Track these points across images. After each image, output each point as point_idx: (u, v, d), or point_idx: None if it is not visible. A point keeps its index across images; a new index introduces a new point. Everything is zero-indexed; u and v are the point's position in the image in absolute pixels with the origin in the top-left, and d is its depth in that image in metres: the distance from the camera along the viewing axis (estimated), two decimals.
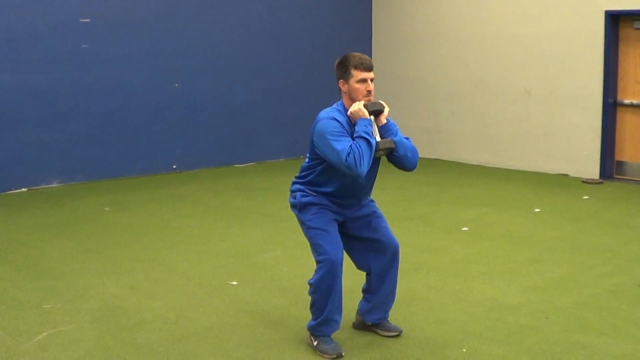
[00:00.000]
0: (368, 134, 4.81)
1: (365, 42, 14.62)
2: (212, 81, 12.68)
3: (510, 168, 12.62)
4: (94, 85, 11.33)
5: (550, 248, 7.66)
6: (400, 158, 5.05)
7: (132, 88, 11.75)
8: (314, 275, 5.05)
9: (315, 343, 5.13)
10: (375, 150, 4.89)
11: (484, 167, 12.90)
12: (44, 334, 5.38)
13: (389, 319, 5.44)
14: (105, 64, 11.41)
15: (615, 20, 11.22)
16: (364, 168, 4.74)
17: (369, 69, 5.02)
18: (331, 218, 5.11)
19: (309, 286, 5.10)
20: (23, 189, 10.78)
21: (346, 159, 4.69)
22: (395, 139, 5.01)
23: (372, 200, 5.36)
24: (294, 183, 5.29)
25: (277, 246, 7.76)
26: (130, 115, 11.78)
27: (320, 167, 5.05)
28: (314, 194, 5.13)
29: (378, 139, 4.96)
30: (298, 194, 5.19)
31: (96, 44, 11.28)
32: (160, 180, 11.64)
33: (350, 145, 4.73)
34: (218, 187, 11.17)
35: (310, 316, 5.20)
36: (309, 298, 5.13)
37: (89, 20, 11.17)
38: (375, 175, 5.21)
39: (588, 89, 11.50)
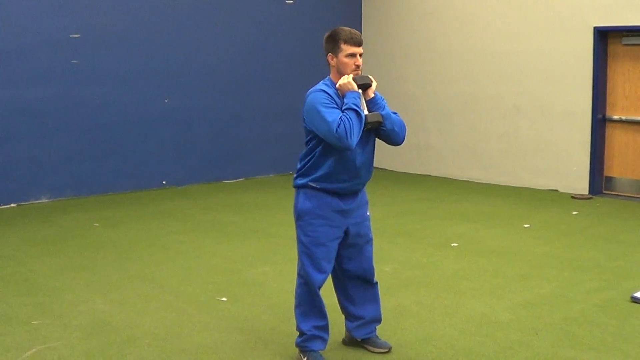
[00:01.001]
0: (357, 106, 4.81)
1: None
2: (202, 97, 12.69)
3: (500, 184, 12.64)
4: (83, 101, 11.32)
5: (539, 264, 7.67)
6: (388, 132, 5.06)
7: (121, 104, 11.75)
8: (296, 287, 5.14)
9: (304, 359, 5.12)
10: (364, 124, 4.87)
11: (473, 182, 12.92)
12: (33, 350, 5.36)
13: (377, 334, 5.44)
14: (95, 79, 11.41)
15: (603, 37, 11.28)
16: (354, 139, 4.73)
17: (359, 43, 5.03)
18: (327, 237, 5.06)
19: (294, 298, 5.13)
20: (12, 205, 10.75)
21: (336, 129, 4.68)
22: (382, 113, 5.01)
23: (368, 218, 5.32)
24: (295, 178, 5.19)
25: (267, 262, 7.76)
26: (119, 130, 11.77)
27: (317, 149, 4.99)
28: (318, 189, 5.04)
29: (366, 112, 4.96)
30: (301, 192, 5.11)
31: (86, 60, 11.28)
32: (150, 196, 11.62)
33: (340, 117, 4.73)
34: (207, 202, 11.16)
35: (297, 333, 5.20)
36: (294, 313, 5.18)
37: (79, 35, 11.18)
38: (372, 154, 5.18)
39: (577, 104, 11.54)
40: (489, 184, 12.70)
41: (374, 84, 5.06)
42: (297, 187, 5.14)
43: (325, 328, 5.13)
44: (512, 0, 12.26)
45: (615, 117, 11.42)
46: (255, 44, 13.27)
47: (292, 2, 13.67)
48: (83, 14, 11.20)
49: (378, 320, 5.42)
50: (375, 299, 5.37)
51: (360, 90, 4.96)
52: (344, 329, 5.51)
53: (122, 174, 11.87)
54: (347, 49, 4.98)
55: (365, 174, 5.15)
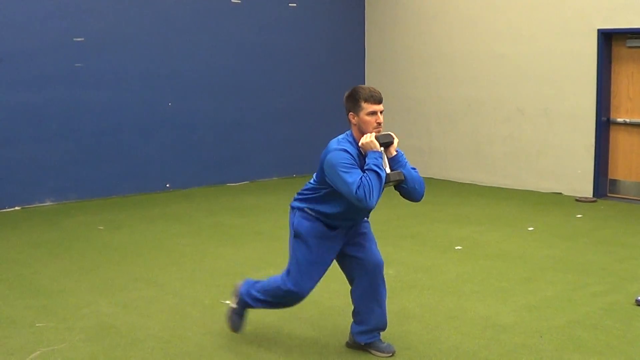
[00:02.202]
0: (379, 167, 4.87)
1: (358, 61, 14.67)
2: (206, 100, 12.70)
3: (504, 187, 12.63)
4: (87, 104, 11.34)
5: (543, 267, 7.66)
6: (408, 190, 5.15)
7: (125, 107, 11.76)
8: (279, 280, 5.25)
9: (234, 305, 5.57)
10: (385, 182, 4.95)
11: (477, 185, 12.91)
12: (37, 352, 5.36)
13: (381, 337, 5.43)
14: (99, 82, 11.43)
15: (607, 39, 11.27)
16: (374, 201, 4.81)
17: (379, 101, 5.04)
18: (323, 257, 5.20)
19: (257, 293, 5.37)
20: (16, 207, 10.76)
21: (356, 191, 4.75)
22: (404, 171, 5.08)
23: (367, 221, 5.37)
24: (295, 199, 5.30)
25: (271, 265, 7.74)
26: (123, 134, 11.79)
27: (325, 191, 5.10)
28: (313, 216, 5.16)
29: (388, 170, 5.02)
30: (297, 213, 5.22)
31: (90, 63, 11.30)
32: (154, 199, 11.63)
33: (361, 178, 4.79)
34: (211, 205, 11.16)
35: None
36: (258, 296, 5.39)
37: (82, 39, 11.19)
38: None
39: (581, 107, 11.53)
40: (493, 187, 12.70)
41: (396, 141, 5.13)
42: (294, 208, 5.27)
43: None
44: (516, 3, 12.26)
45: (620, 119, 11.41)
46: (258, 47, 13.27)
47: (295, 5, 13.67)
48: (87, 17, 11.21)
49: (382, 328, 5.41)
50: (381, 305, 5.36)
51: (382, 149, 5.01)
52: (348, 332, 5.50)
53: (126, 177, 11.88)
54: (368, 107, 5.01)
55: (363, 217, 5.32)
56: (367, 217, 5.41)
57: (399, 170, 5.05)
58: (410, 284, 7.08)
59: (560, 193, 11.92)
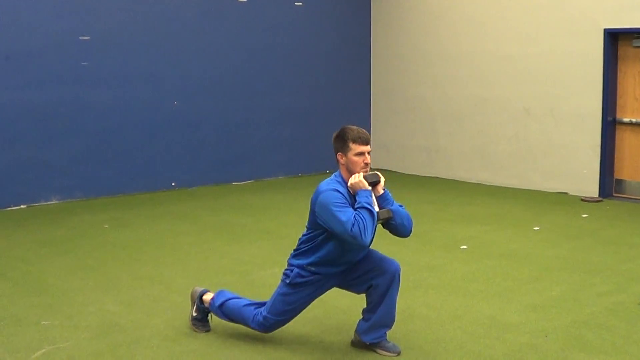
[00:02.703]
0: (370, 205, 5.00)
1: (364, 61, 14.67)
2: (211, 99, 12.71)
3: (509, 186, 12.62)
4: (93, 103, 11.35)
5: (549, 266, 7.65)
6: (397, 226, 5.28)
7: (131, 106, 11.77)
8: (260, 323, 5.44)
9: (194, 314, 5.76)
10: (376, 220, 5.07)
11: (482, 185, 12.90)
12: (43, 350, 5.37)
13: (387, 337, 5.43)
14: (105, 81, 11.44)
15: (614, 39, 11.25)
16: (368, 237, 4.93)
17: (366, 142, 5.20)
18: (313, 298, 5.43)
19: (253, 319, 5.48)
20: (22, 206, 10.78)
21: (351, 229, 4.86)
22: (392, 208, 5.24)
23: None
24: (292, 256, 5.45)
25: (276, 264, 7.74)
26: (129, 132, 11.80)
27: (320, 237, 5.22)
28: (312, 272, 5.30)
29: (377, 209, 5.15)
30: (296, 270, 5.36)
31: (96, 62, 11.31)
32: (159, 198, 11.64)
33: (354, 216, 4.91)
34: (217, 204, 11.17)
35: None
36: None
37: (88, 38, 11.20)
38: (372, 240, 5.30)
39: (587, 107, 11.51)
40: (499, 187, 12.69)
41: (382, 180, 5.26)
42: (292, 265, 5.41)
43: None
44: (522, 3, 12.25)
45: (626, 119, 11.39)
46: (264, 46, 13.28)
47: (301, 4, 13.67)
48: (93, 16, 11.23)
49: (389, 325, 5.41)
50: (392, 300, 5.36)
51: (370, 188, 5.13)
52: (353, 331, 5.50)
53: (132, 175, 11.89)
54: (356, 148, 5.16)
55: (361, 255, 5.38)
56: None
57: (387, 208, 5.20)
58: (416, 283, 7.08)
59: (566, 193, 11.91)
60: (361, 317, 5.46)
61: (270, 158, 13.59)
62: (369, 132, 14.62)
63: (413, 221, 5.37)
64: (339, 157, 5.22)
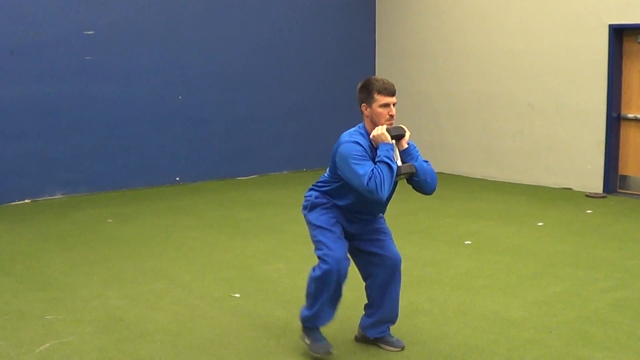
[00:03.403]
0: (390, 159, 4.87)
1: (369, 56, 14.66)
2: (216, 94, 12.70)
3: (514, 182, 12.61)
4: (97, 98, 11.36)
5: (553, 262, 7.64)
6: (420, 182, 5.12)
7: (135, 100, 11.78)
8: (315, 268, 5.06)
9: (308, 341, 5.18)
10: (397, 175, 4.94)
11: (487, 180, 12.90)
12: (47, 345, 5.38)
13: (390, 332, 5.43)
14: (109, 76, 11.44)
15: (619, 35, 11.23)
16: (385, 192, 4.81)
17: (392, 93, 5.05)
18: (338, 222, 5.16)
19: (308, 277, 5.11)
20: (26, 200, 10.80)
21: (367, 182, 4.75)
22: (415, 163, 5.07)
23: (382, 217, 5.38)
24: (310, 189, 5.32)
25: (280, 258, 7.76)
26: (133, 127, 11.80)
27: (338, 183, 5.12)
28: (327, 200, 5.19)
29: (399, 163, 5.02)
30: (314, 193, 5.25)
31: (100, 57, 11.31)
32: (163, 193, 11.65)
33: (372, 170, 4.80)
34: (221, 199, 11.18)
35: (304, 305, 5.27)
36: (306, 288, 5.19)
37: (93, 32, 11.20)
38: (391, 196, 5.24)
39: (592, 103, 11.50)
40: (503, 182, 12.68)
41: (408, 134, 5.11)
42: (308, 196, 5.30)
43: (334, 307, 5.17)
44: None
45: (630, 115, 11.37)
46: (269, 41, 13.27)
47: None
48: (97, 11, 11.23)
49: (392, 320, 5.41)
50: (395, 297, 5.36)
51: (393, 141, 5.02)
52: (357, 325, 5.50)
53: (136, 170, 11.90)
54: (381, 99, 5.02)
55: (379, 211, 5.32)
56: (384, 213, 5.41)
57: (410, 163, 5.04)
58: (420, 278, 7.08)
59: (570, 188, 11.90)
60: (363, 312, 5.45)
61: (275, 153, 13.59)
62: None
63: (437, 179, 5.21)
64: (363, 108, 5.10)
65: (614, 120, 11.41)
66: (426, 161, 5.18)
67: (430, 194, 5.24)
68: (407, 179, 5.12)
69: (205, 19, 12.44)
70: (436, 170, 5.34)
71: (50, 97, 10.91)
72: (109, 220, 9.64)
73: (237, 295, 6.60)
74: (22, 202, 10.75)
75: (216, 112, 12.77)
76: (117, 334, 5.63)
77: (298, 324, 5.71)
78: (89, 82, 11.26)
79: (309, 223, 5.21)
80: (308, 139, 13.90)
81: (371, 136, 4.99)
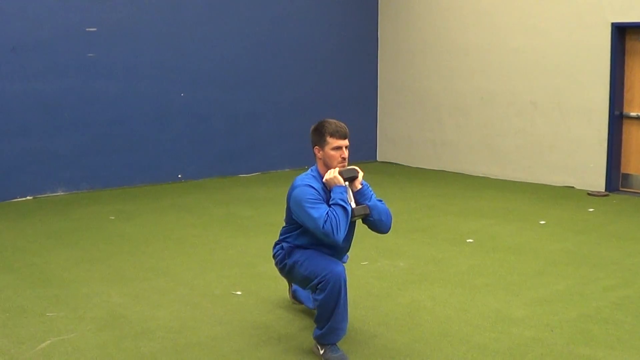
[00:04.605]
0: (344, 201, 4.94)
1: (371, 53, 14.65)
2: (218, 91, 12.69)
3: (516, 180, 12.61)
4: (99, 94, 11.35)
5: (555, 260, 7.64)
6: (375, 222, 5.21)
7: (137, 97, 11.77)
8: (317, 294, 5.03)
9: (321, 352, 5.13)
10: (351, 217, 5.01)
11: (489, 178, 12.89)
12: (48, 342, 5.38)
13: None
14: (111, 73, 11.44)
15: (621, 33, 11.22)
16: (341, 235, 4.87)
17: (344, 136, 5.13)
18: (320, 252, 5.20)
19: (313, 300, 5.14)
20: (28, 197, 10.79)
21: (323, 226, 4.81)
22: (369, 204, 5.14)
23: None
24: (275, 246, 5.44)
25: None
26: (135, 124, 11.80)
27: (297, 231, 5.20)
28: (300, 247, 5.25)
29: (353, 205, 5.10)
30: (284, 244, 5.33)
31: (102, 53, 11.30)
32: (165, 190, 11.64)
33: (327, 213, 4.86)
34: (223, 197, 11.17)
35: (315, 325, 5.20)
36: (316, 310, 5.14)
37: (95, 29, 11.20)
38: (352, 238, 5.32)
39: (594, 101, 11.49)
40: (505, 180, 12.67)
41: (360, 175, 5.17)
42: (276, 251, 5.40)
43: (345, 318, 5.11)
44: None
45: (633, 113, 11.36)
46: (272, 38, 13.26)
47: None
48: (100, 7, 11.22)
49: None
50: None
51: (346, 183, 5.07)
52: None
53: (138, 167, 11.89)
54: (333, 142, 5.10)
55: (343, 254, 5.37)
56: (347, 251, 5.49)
57: (364, 205, 5.12)
58: (421, 276, 7.07)
59: (572, 187, 11.89)
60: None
61: (277, 150, 13.58)
62: (376, 124, 14.64)
63: (392, 217, 5.31)
64: (315, 151, 5.18)
65: (617, 119, 11.40)
66: (380, 200, 5.27)
67: (385, 232, 5.35)
68: (362, 219, 5.20)
69: (208, 16, 12.43)
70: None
71: (52, 94, 10.90)
72: (110, 218, 9.64)
73: (239, 293, 6.59)
74: (23, 198, 10.75)
75: (218, 109, 12.76)
76: (118, 331, 5.63)
77: (299, 322, 5.72)
78: (91, 79, 11.25)
79: (292, 266, 5.21)
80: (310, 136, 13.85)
81: (324, 179, 5.08)
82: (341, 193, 4.96)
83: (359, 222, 5.27)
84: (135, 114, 11.79)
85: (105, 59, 11.35)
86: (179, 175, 12.39)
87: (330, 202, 4.94)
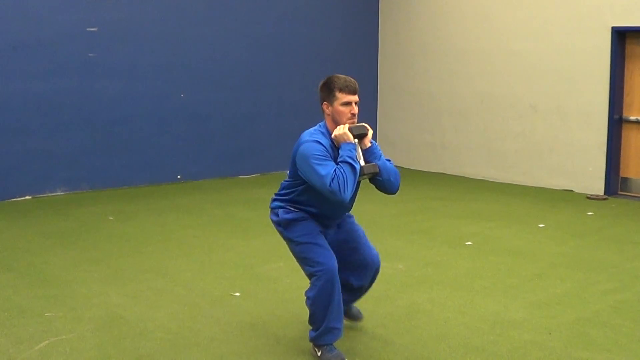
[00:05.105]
0: (352, 159, 4.80)
1: (371, 55, 14.66)
2: (218, 92, 12.69)
3: (515, 183, 12.61)
4: (100, 94, 11.36)
5: (553, 264, 7.64)
6: (383, 182, 5.07)
7: (137, 98, 11.77)
8: (310, 287, 5.03)
9: (318, 353, 5.12)
10: (359, 175, 4.88)
11: (488, 181, 12.89)
12: (46, 342, 5.38)
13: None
14: (112, 73, 11.44)
15: (621, 37, 11.23)
16: (348, 193, 4.73)
17: (354, 91, 4.97)
18: (318, 229, 5.10)
19: (306, 298, 5.09)
20: (27, 197, 10.79)
21: (330, 184, 4.67)
22: (378, 162, 5.01)
23: (351, 216, 5.34)
24: (273, 200, 5.28)
25: (280, 258, 7.74)
26: (135, 125, 11.80)
27: (301, 187, 5.05)
28: (296, 210, 5.12)
29: (362, 163, 4.96)
30: (280, 210, 5.18)
31: (103, 54, 11.31)
32: (165, 191, 11.64)
33: (335, 170, 4.72)
34: (222, 198, 11.17)
35: (310, 327, 5.20)
36: (309, 310, 5.13)
37: (96, 29, 11.20)
38: (356, 195, 5.20)
39: (594, 105, 11.49)
40: (505, 183, 12.67)
41: (370, 133, 5.03)
42: (274, 207, 5.26)
43: (340, 318, 5.11)
44: (531, 0, 12.22)
45: (632, 117, 11.37)
46: (271, 39, 13.26)
47: None
48: (100, 7, 11.22)
49: (365, 289, 5.50)
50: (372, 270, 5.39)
51: (356, 140, 4.94)
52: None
53: (137, 168, 11.89)
54: (343, 97, 4.95)
55: (343, 213, 5.23)
56: (349, 210, 5.35)
57: (373, 163, 4.98)
58: (420, 279, 7.07)
59: (572, 190, 11.89)
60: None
61: (277, 152, 13.56)
62: (376, 127, 14.62)
63: (401, 178, 5.16)
64: (324, 107, 5.04)
65: (616, 123, 11.40)
66: (389, 160, 5.14)
67: (394, 193, 5.19)
68: (370, 179, 5.07)
69: (208, 16, 12.44)
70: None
71: (52, 94, 10.90)
72: (110, 218, 9.64)
73: (237, 294, 6.60)
74: (23, 198, 10.75)
75: (218, 110, 12.76)
76: (116, 331, 5.63)
77: (298, 323, 5.73)
78: (92, 79, 11.26)
79: (289, 240, 5.14)
80: None
81: (333, 135, 4.94)
82: (350, 150, 4.82)
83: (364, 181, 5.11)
84: (135, 115, 11.79)
85: (106, 59, 11.36)
86: (179, 176, 12.39)
87: (339, 160, 4.80)
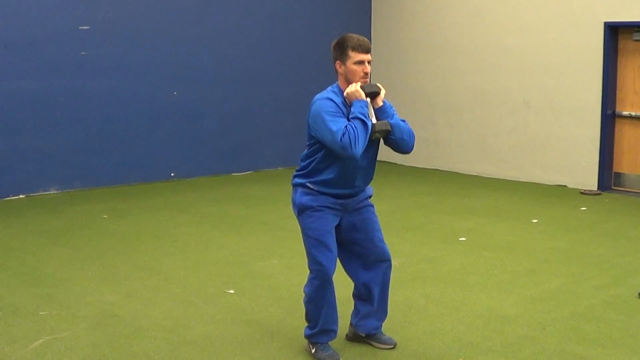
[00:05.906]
0: (364, 115, 4.77)
1: None
2: (211, 90, 12.68)
3: (508, 179, 12.62)
4: (92, 93, 11.33)
5: (547, 259, 7.66)
6: (396, 141, 5.03)
7: (130, 96, 11.75)
8: (307, 283, 5.05)
9: (313, 350, 5.13)
10: (372, 133, 4.84)
11: (482, 177, 12.90)
12: (40, 340, 5.37)
13: (383, 330, 5.42)
14: (104, 71, 11.42)
15: (614, 32, 11.24)
16: (359, 149, 4.71)
17: (367, 50, 4.92)
18: (330, 225, 5.05)
19: (304, 295, 5.10)
20: (21, 196, 10.78)
21: (341, 138, 4.65)
22: (391, 121, 4.98)
23: (372, 205, 5.32)
24: (294, 176, 5.22)
25: (275, 255, 7.76)
26: (128, 122, 11.78)
27: (319, 153, 5.00)
28: (315, 190, 5.05)
29: (374, 120, 4.92)
30: (299, 189, 5.14)
31: (95, 52, 11.29)
32: (158, 188, 11.63)
33: (346, 126, 4.70)
34: (216, 195, 11.17)
35: (306, 324, 5.20)
36: (304, 307, 5.14)
37: (88, 27, 11.18)
38: (375, 160, 5.17)
39: (587, 100, 11.51)
40: (498, 179, 12.68)
41: (383, 92, 5.00)
42: (295, 185, 5.18)
43: (335, 320, 5.12)
44: None
45: (625, 112, 11.39)
46: (264, 36, 13.25)
47: None
48: (92, 6, 11.20)
49: (384, 316, 5.42)
50: (385, 297, 5.35)
51: (368, 99, 4.92)
52: (349, 323, 5.50)
53: (131, 166, 11.88)
54: (355, 56, 4.90)
55: (364, 181, 5.16)
56: (371, 197, 5.31)
57: (385, 121, 4.96)
58: (414, 275, 7.08)
59: (565, 186, 11.91)
60: (353, 305, 5.43)
61: (270, 149, 13.57)
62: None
63: (417, 123, 5.17)
64: (337, 66, 4.99)
65: (609, 118, 11.42)
66: (403, 120, 5.10)
67: (408, 152, 5.15)
68: (383, 138, 5.04)
69: (201, 14, 12.42)
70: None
71: (44, 92, 10.88)
72: (103, 216, 9.63)
73: (232, 291, 6.60)
74: (16, 197, 10.73)
75: (211, 107, 12.75)
76: (111, 329, 5.63)
77: (292, 320, 5.73)
78: (84, 77, 11.23)
79: (301, 227, 5.11)
80: (303, 135, 13.79)
81: (345, 93, 4.90)
82: (361, 107, 4.80)
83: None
84: (128, 112, 11.77)
85: (98, 57, 11.33)
86: (172, 174, 12.38)
87: (350, 116, 4.78)
